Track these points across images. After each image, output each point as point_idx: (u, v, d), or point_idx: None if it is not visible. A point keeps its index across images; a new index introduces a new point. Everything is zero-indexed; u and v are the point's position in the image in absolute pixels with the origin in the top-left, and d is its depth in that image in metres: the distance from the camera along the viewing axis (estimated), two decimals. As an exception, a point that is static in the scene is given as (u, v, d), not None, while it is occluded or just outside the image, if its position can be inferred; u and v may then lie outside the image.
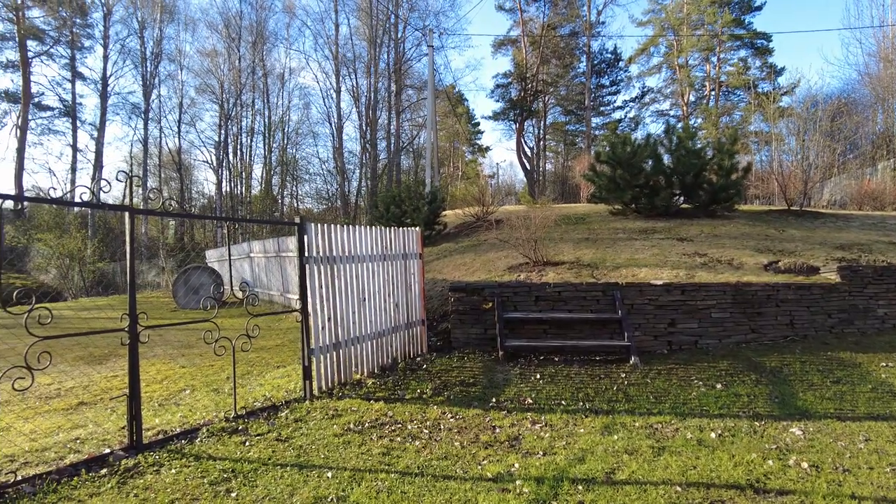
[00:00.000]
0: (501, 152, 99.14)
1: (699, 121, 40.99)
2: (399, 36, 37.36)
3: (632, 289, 7.72)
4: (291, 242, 12.52)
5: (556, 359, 7.22)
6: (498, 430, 4.67)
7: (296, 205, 42.04)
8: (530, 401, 5.53)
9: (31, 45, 37.13)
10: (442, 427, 4.77)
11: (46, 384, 6.51)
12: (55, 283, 21.78)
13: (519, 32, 41.25)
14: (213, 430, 4.62)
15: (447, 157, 56.13)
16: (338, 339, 6.05)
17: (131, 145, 40.12)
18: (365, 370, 6.50)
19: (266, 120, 40.41)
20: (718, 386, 6.05)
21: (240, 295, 16.68)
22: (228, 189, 39.39)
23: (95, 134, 37.40)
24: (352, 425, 4.80)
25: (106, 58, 37.92)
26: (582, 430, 4.66)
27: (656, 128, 46.13)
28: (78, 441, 4.51)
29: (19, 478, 3.63)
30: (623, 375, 6.49)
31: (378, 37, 36.25)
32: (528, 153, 41.95)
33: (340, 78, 37.05)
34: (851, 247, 11.05)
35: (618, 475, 3.73)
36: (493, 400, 5.56)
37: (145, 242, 31.26)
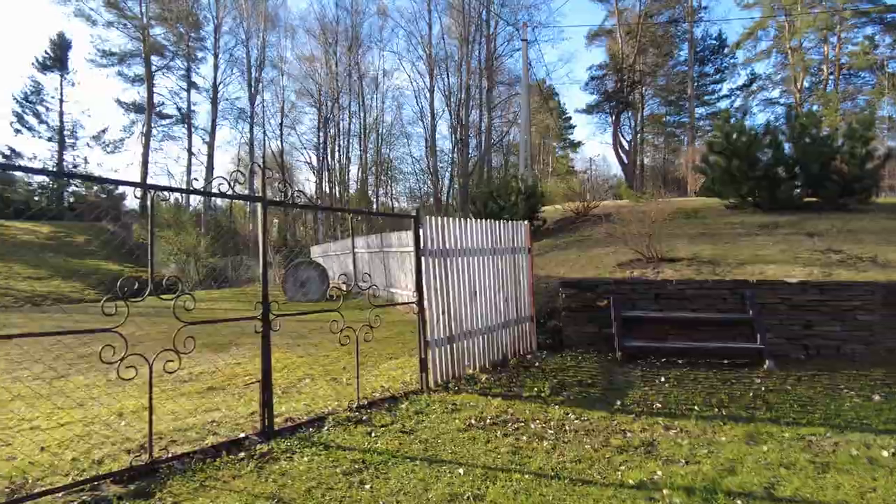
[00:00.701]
0: (594, 147, 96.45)
1: (816, 108, 37.60)
2: (491, 32, 37.18)
3: (763, 287, 7.07)
4: (395, 238, 12.73)
5: (680, 361, 6.74)
6: (629, 435, 4.37)
7: (390, 203, 43.07)
8: (658, 405, 5.16)
9: (154, 59, 40.59)
10: (567, 428, 4.54)
11: (179, 369, 6.95)
12: (175, 276, 23.66)
13: (614, 23, 39.79)
14: (338, 420, 4.66)
15: (537, 153, 55.24)
16: (451, 333, 5.97)
17: (238, 148, 42.91)
18: (477, 365, 6.38)
19: (361, 121, 41.70)
20: (876, 397, 5.37)
21: (344, 289, 17.24)
22: (327, 189, 41.07)
23: (207, 138, 40.30)
24: (473, 421, 4.68)
25: (216, 67, 40.75)
26: (723, 439, 4.26)
27: (763, 117, 42.86)
28: (214, 423, 4.71)
29: (170, 454, 3.81)
30: (758, 381, 5.94)
31: (470, 34, 36.27)
32: (625, 146, 40.39)
33: (434, 77, 37.44)
34: None
35: (779, 491, 3.34)
36: (618, 402, 5.24)
37: (252, 238, 33.23)
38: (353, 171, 43.16)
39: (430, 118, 38.19)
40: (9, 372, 6.98)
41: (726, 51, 41.42)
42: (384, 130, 42.43)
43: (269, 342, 4.36)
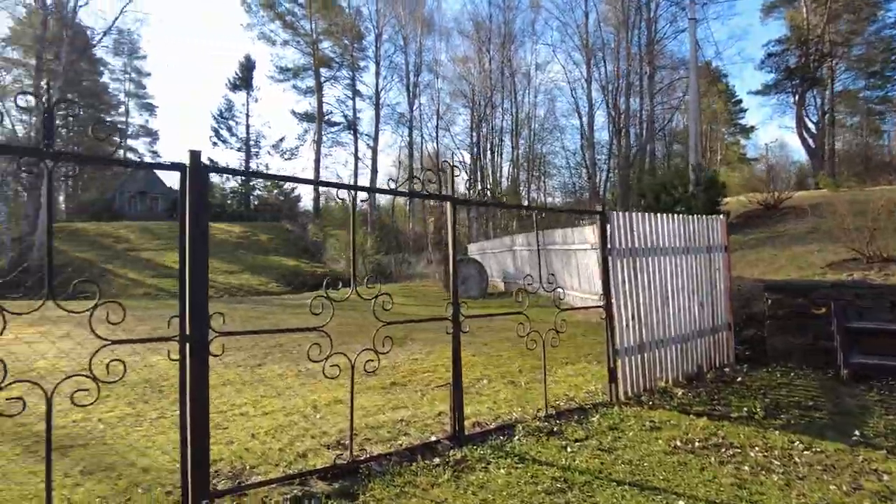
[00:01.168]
0: (771, 131, 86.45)
1: None
2: (651, 15, 34.77)
3: None
4: (559, 235, 12.27)
5: (930, 385, 5.52)
6: (885, 478, 3.56)
7: (543, 199, 42.41)
8: (917, 440, 4.20)
9: (323, 71, 44.22)
10: (797, 461, 3.83)
11: (362, 362, 7.25)
12: (345, 272, 25.44)
13: (799, -11, 35.06)
14: (528, 429, 4.42)
15: (704, 141, 50.84)
16: (642, 341, 5.45)
17: (399, 150, 45.00)
18: (669, 377, 5.77)
19: (514, 118, 41.51)
20: None
21: (502, 287, 17.17)
22: (480, 186, 41.58)
23: (371, 143, 42.87)
24: (679, 443, 4.15)
25: (377, 74, 43.18)
26: None
27: None
28: (403, 423, 4.73)
29: (368, 454, 3.85)
30: None
31: (629, 18, 34.27)
32: (811, 129, 35.49)
33: (590, 66, 36.02)
34: None
35: None
36: (856, 433, 4.35)
37: (412, 237, 34.81)
38: (505, 167, 43.19)
39: (587, 108, 36.79)
40: (220, 358, 7.80)
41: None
42: (536, 125, 41.83)
43: (458, 343, 4.25)
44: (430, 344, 8.28)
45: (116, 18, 37.38)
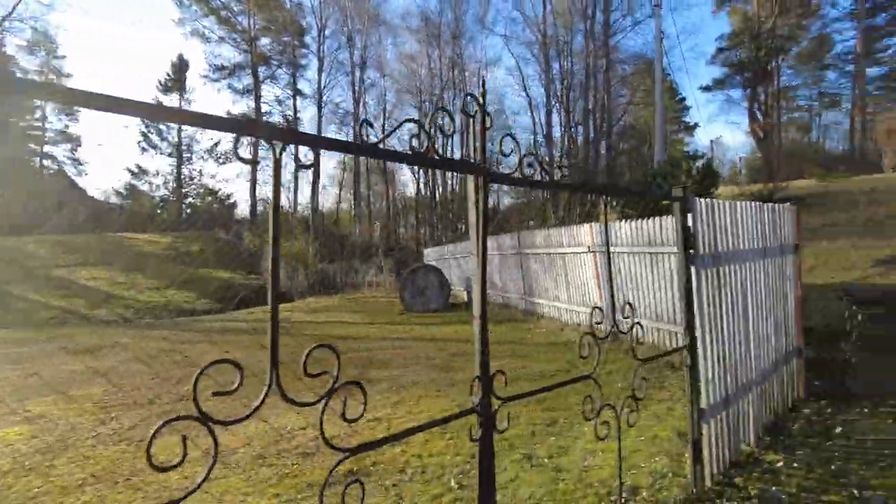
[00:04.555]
0: (717, 129, 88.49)
1: None
2: (606, 6, 33.85)
3: None
4: (538, 237, 10.43)
5: None
6: None
7: (497, 200, 40.82)
8: None
9: (261, 70, 41.23)
10: None
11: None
12: (284, 284, 22.90)
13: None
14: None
15: (650, 138, 50.85)
16: (726, 392, 3.63)
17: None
18: (752, 435, 3.99)
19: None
20: None
21: (465, 297, 15.27)
22: (429, 191, 39.63)
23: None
24: None
25: (321, 71, 40.56)
26: None
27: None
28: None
29: None
30: None
31: (586, 9, 33.19)
32: (761, 123, 35.47)
33: (546, 61, 34.66)
34: None
35: None
36: None
37: (359, 243, 32.40)
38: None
39: (543, 103, 35.35)
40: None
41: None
42: (489, 122, 40.17)
43: (492, 465, 2.25)
44: (397, 388, 6.22)
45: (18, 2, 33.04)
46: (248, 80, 42.06)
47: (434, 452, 4.18)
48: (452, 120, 2.07)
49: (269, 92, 42.59)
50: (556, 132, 36.30)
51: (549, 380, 6.10)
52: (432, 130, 1.96)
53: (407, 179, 52.86)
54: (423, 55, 40.47)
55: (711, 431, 3.44)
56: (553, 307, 10.11)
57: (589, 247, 8.64)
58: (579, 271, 9.13)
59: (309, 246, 27.22)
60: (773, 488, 3.32)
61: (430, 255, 20.78)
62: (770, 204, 4.66)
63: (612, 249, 8.16)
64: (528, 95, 37.27)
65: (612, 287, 2.68)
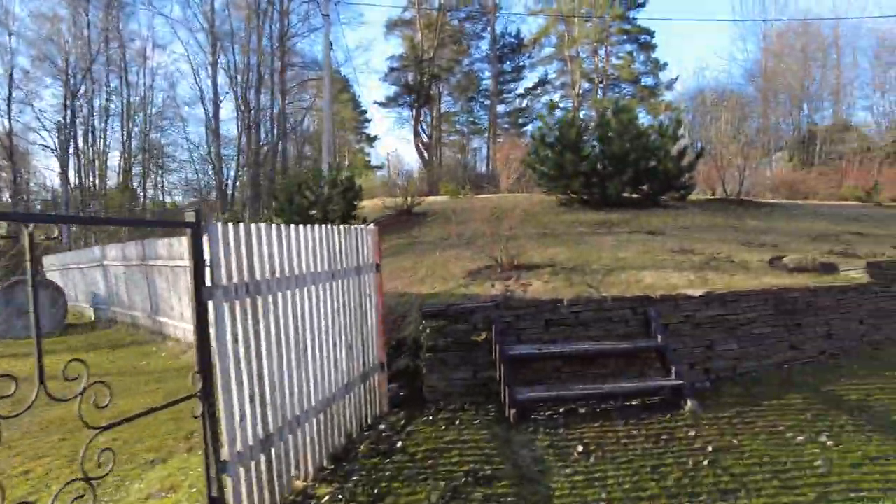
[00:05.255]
0: (393, 142, 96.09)
1: (591, 113, 41.25)
2: (284, 7, 33.28)
3: (666, 303, 5.74)
4: (163, 247, 9.16)
5: (582, 411, 5.04)
6: None
7: (161, 197, 36.39)
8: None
9: None
10: None
11: None
12: None
13: (414, 13, 38.77)
14: None
15: (335, 145, 52.42)
16: (268, 431, 3.36)
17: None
18: (310, 466, 3.85)
19: (124, 100, 34.39)
20: (828, 442, 4.34)
21: (91, 315, 12.78)
22: (78, 180, 33.00)
23: None
24: None
25: None
26: None
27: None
28: None
29: None
30: (692, 433, 4.50)
31: (260, 7, 31.97)
32: (425, 142, 39.79)
33: (217, 51, 32.15)
34: (825, 237, 10.09)
35: None
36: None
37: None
38: (115, 158, 35.45)
39: (213, 95, 32.77)
40: None
41: (523, 49, 43.16)
42: (154, 112, 35.62)
43: None
44: None
45: None
46: None
47: None
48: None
49: None
50: (232, 129, 34.38)
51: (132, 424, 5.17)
52: None
53: (43, 166, 43.51)
54: (68, 18, 33.53)
55: (243, 480, 3.10)
56: (179, 327, 9.03)
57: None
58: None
59: None
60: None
61: (53, 262, 17.03)
62: (346, 226, 4.69)
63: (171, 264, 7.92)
64: (199, 87, 34.35)
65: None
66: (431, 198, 15.38)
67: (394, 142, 75.76)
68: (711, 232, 10.08)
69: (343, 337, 4.45)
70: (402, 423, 4.92)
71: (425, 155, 38.03)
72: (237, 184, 35.46)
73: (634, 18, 41.44)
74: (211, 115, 32.69)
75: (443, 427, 4.72)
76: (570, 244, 9.14)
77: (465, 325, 5.23)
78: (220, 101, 33.09)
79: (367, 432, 4.70)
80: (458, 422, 4.82)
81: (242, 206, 31.50)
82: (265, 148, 33.39)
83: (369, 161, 58.18)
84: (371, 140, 57.74)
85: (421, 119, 38.27)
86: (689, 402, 4.94)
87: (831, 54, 29.87)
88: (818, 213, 13.35)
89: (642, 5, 41.87)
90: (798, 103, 28.83)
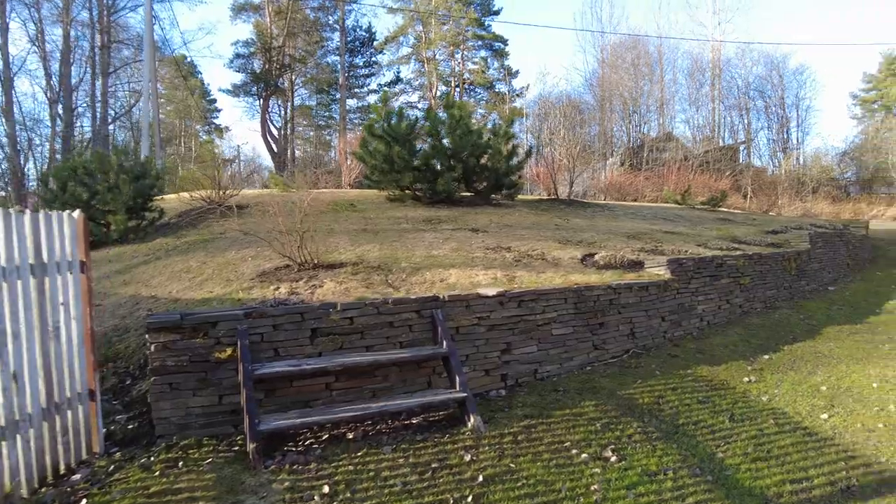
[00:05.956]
0: (244, 133, 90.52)
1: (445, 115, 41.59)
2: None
3: (457, 304, 5.15)
4: None
5: (350, 436, 4.24)
6: None
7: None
8: None
9: None
10: None
11: None
12: None
13: (263, -2, 36.24)
14: None
15: (176, 136, 47.78)
16: None
17: None
18: None
19: None
20: (612, 457, 3.97)
21: None
22: None
23: None
24: None
25: None
26: None
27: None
28: None
29: None
30: (468, 458, 3.88)
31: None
32: (275, 134, 37.44)
33: (6, 14, 27.19)
34: (640, 236, 10.41)
35: None
36: None
37: None
38: None
39: (3, 68, 27.62)
40: None
41: (375, 44, 42.30)
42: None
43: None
44: None
45: None
46: None
47: None
48: None
49: None
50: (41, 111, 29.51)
51: None
52: None
53: None
54: None
55: None
56: None
57: None
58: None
59: None
60: None
61: None
62: (22, 212, 3.44)
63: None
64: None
65: None
66: (255, 191, 13.95)
67: (246, 133, 71.18)
68: (533, 230, 9.95)
69: (9, 363, 3.22)
70: (112, 468, 3.77)
71: (274, 148, 35.77)
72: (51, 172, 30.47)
73: (489, 25, 42.59)
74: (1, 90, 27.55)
75: (157, 473, 3.64)
76: (387, 241, 8.42)
77: (204, 339, 4.18)
78: (14, 74, 28.08)
79: (45, 489, 3.49)
80: (181, 463, 3.77)
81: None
82: (88, 133, 29.11)
83: (220, 152, 53.98)
84: (221, 131, 53.63)
85: (270, 110, 35.91)
86: (472, 419, 4.34)
87: (656, 70, 32.82)
88: (638, 214, 14.04)
89: (497, 13, 43.15)
90: (629, 113, 31.28)
